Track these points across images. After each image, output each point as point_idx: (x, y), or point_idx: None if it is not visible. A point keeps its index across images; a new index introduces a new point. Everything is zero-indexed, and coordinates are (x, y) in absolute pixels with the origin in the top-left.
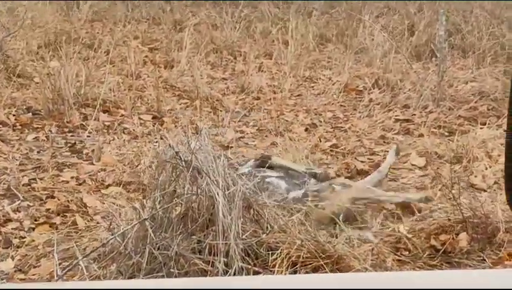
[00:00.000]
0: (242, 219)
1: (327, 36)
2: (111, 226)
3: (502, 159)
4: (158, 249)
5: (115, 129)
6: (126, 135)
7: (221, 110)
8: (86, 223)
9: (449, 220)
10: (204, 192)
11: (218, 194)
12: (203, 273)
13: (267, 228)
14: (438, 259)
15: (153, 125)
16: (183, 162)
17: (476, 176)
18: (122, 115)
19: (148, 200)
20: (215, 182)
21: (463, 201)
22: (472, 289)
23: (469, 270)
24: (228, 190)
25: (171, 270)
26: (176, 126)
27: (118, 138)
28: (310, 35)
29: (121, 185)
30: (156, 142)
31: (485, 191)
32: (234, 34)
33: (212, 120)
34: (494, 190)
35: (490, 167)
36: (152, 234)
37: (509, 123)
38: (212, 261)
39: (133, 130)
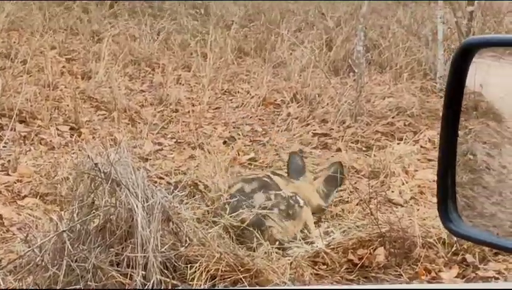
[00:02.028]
0: (161, 232)
1: (246, 50)
2: (28, 238)
3: (419, 175)
4: (76, 261)
5: (32, 140)
6: (43, 146)
7: (139, 122)
8: (1, 235)
9: (368, 234)
10: (123, 204)
11: (137, 206)
12: (121, 286)
13: (186, 241)
14: (356, 273)
15: (71, 137)
16: (102, 174)
17: (393, 191)
18: (39, 126)
19: (65, 212)
20: (134, 194)
21: (380, 216)
22: None
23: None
24: (147, 202)
25: (89, 283)
26: (93, 137)
27: (34, 149)
28: (228, 48)
29: (38, 197)
30: (74, 153)
31: (402, 206)
32: (153, 45)
33: (130, 132)
34: (411, 205)
35: (407, 182)
36: (70, 246)
37: (440, 139)
38: (131, 274)
39: (50, 141)
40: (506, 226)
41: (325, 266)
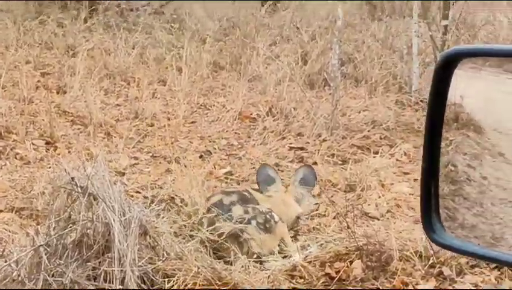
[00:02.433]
0: (138, 246)
1: (221, 64)
2: (4, 253)
3: (395, 188)
4: (52, 276)
5: (7, 154)
6: (18, 161)
7: (115, 137)
8: None
9: (345, 248)
10: (100, 218)
11: (114, 220)
12: None
13: (163, 255)
14: (333, 287)
15: (46, 151)
16: (79, 188)
17: (369, 205)
18: (14, 140)
19: (42, 226)
20: (112, 208)
21: (357, 229)
22: None
23: None
24: (124, 216)
25: None
26: (69, 152)
27: (10, 163)
28: (203, 63)
29: (14, 211)
30: (49, 167)
31: (378, 219)
32: (128, 60)
33: (106, 146)
34: (388, 218)
35: (383, 195)
36: (46, 261)
37: (424, 150)
38: (108, 289)
39: (26, 155)
40: (487, 237)
41: (302, 280)
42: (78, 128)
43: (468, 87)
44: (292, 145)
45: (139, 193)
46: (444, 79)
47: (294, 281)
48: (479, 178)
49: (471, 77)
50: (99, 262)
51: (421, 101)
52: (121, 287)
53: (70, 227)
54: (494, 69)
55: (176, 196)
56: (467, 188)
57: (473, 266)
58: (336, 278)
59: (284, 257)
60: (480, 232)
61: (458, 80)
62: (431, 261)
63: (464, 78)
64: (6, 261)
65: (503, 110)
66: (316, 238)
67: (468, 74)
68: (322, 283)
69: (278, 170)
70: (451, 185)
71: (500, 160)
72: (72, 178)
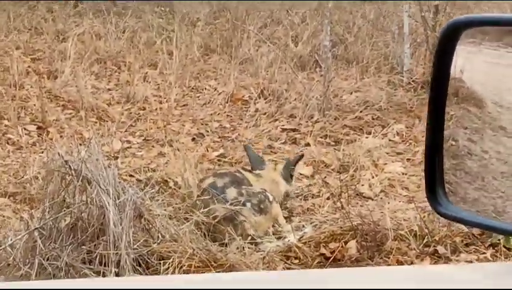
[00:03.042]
0: (133, 229)
1: (212, 47)
2: None
3: (388, 168)
4: (47, 259)
5: None
6: (10, 146)
7: (106, 121)
8: None
9: (340, 228)
10: (95, 201)
11: (108, 203)
12: None
13: (158, 237)
14: (328, 267)
15: (38, 136)
16: (73, 171)
17: (362, 185)
18: (6, 126)
19: (36, 210)
20: (106, 191)
21: (351, 209)
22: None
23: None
24: (119, 199)
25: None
26: (61, 136)
27: (2, 149)
28: (194, 46)
29: (7, 196)
30: (42, 152)
31: (372, 199)
32: (118, 44)
33: (98, 130)
34: (381, 198)
35: (376, 175)
36: (41, 245)
37: (427, 124)
38: (103, 272)
39: (18, 140)
40: (489, 210)
41: (297, 260)
42: (70, 113)
43: (467, 62)
44: (284, 127)
45: (132, 176)
46: (448, 50)
47: (289, 261)
48: (480, 152)
49: (471, 51)
50: (95, 245)
51: (413, 81)
52: (116, 270)
53: (65, 211)
54: (493, 43)
55: (169, 178)
56: (468, 162)
57: (467, 245)
58: (331, 259)
59: (279, 238)
60: (482, 206)
61: (458, 54)
62: (426, 240)
63: (464, 52)
64: (1, 246)
65: (503, 84)
66: (311, 219)
67: (467, 48)
68: (317, 263)
69: (271, 151)
70: (452, 160)
71: (501, 134)
72: (66, 161)
